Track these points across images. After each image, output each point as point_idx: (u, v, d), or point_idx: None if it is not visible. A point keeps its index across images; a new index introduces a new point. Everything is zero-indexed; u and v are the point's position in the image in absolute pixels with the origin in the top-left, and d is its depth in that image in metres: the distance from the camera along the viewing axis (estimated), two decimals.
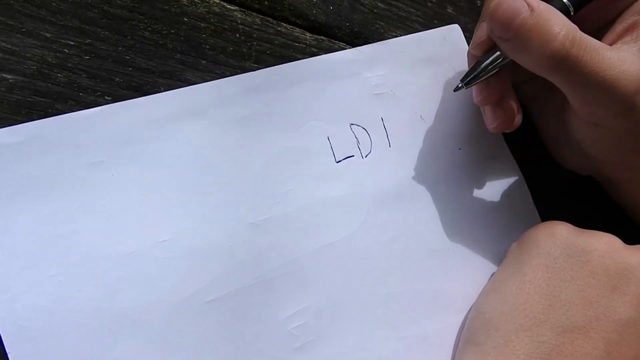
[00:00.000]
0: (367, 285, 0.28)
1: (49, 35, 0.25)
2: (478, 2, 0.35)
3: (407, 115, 0.31)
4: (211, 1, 0.28)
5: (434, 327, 0.28)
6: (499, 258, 0.31)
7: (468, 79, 0.28)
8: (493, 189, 0.32)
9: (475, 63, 0.28)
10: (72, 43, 0.25)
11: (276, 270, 0.26)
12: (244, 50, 0.28)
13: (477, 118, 0.32)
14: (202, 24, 0.28)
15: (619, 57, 0.26)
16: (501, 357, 0.24)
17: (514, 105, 0.29)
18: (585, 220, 0.35)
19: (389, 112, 0.31)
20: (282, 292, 0.26)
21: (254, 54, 0.29)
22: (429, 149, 0.31)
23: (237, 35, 0.28)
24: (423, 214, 0.30)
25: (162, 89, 0.26)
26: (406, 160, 0.30)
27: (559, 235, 0.27)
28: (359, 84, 0.30)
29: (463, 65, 0.33)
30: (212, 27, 0.28)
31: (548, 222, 0.29)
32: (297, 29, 0.30)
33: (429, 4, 0.34)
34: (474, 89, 0.30)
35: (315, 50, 0.30)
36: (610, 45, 0.27)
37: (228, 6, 0.28)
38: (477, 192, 0.32)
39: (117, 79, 0.26)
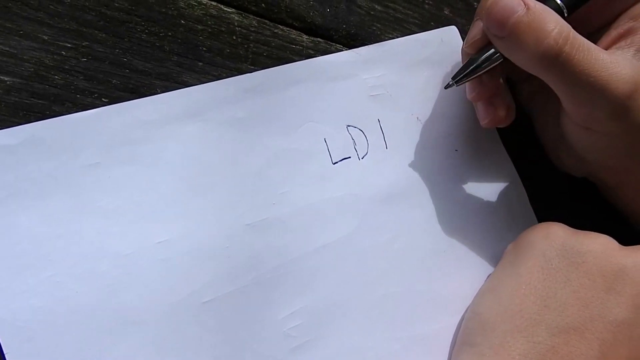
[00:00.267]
0: (364, 286, 0.28)
1: (46, 38, 0.25)
2: (475, 4, 0.35)
3: (403, 117, 0.31)
4: (208, 3, 0.28)
5: (431, 327, 0.28)
6: (495, 259, 0.31)
7: (459, 77, 0.28)
8: (490, 190, 0.32)
9: (467, 61, 0.28)
10: (69, 45, 0.25)
11: (273, 271, 0.26)
12: (241, 52, 0.29)
13: (473, 119, 0.32)
14: (199, 26, 0.28)
15: (612, 60, 0.26)
16: (497, 357, 0.24)
17: (506, 102, 0.30)
18: (581, 221, 0.35)
19: (386, 114, 0.31)
20: (279, 293, 0.26)
21: (250, 56, 0.29)
22: (425, 150, 0.31)
23: (234, 37, 0.29)
24: (420, 215, 0.30)
25: (159, 91, 0.26)
26: (403, 162, 0.30)
27: (555, 236, 0.27)
28: (356, 85, 0.30)
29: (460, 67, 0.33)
30: (209, 30, 0.28)
31: (544, 223, 0.29)
32: (294, 31, 0.30)
33: (426, 6, 0.34)
34: (467, 85, 0.30)
35: (312, 52, 0.30)
36: (605, 49, 0.27)
37: (225, 8, 0.29)
38: (473, 193, 0.32)
39: (114, 81, 0.26)
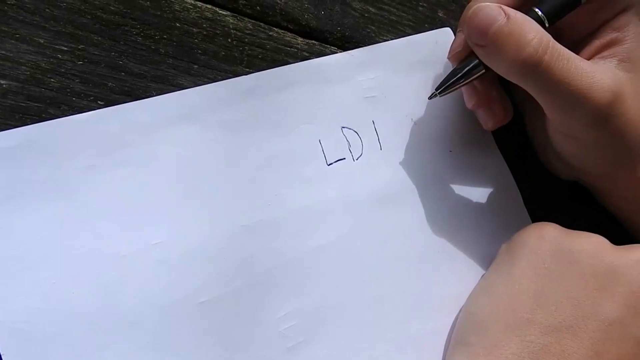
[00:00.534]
0: (358, 287, 0.28)
1: (42, 41, 0.25)
2: None
3: (398, 118, 0.31)
4: (203, 7, 0.28)
5: (425, 328, 0.29)
6: (489, 259, 0.31)
7: (442, 88, 0.29)
8: (484, 191, 0.32)
9: (450, 73, 0.29)
10: (65, 49, 0.25)
11: (268, 272, 0.27)
12: (236, 54, 0.29)
13: (467, 121, 0.33)
14: (194, 29, 0.28)
15: (592, 69, 0.26)
16: (490, 357, 0.25)
17: (503, 105, 0.30)
18: (575, 222, 0.35)
19: (380, 115, 0.31)
20: (274, 294, 0.27)
21: (245, 59, 0.29)
22: (420, 151, 0.31)
23: (229, 40, 0.29)
24: (414, 216, 0.30)
25: (154, 94, 0.27)
26: (397, 163, 0.31)
27: (548, 236, 0.28)
28: (351, 87, 0.31)
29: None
30: (204, 32, 0.28)
31: (537, 223, 0.29)
32: (289, 33, 0.30)
33: (420, 8, 0.34)
34: (465, 95, 0.31)
35: (307, 55, 0.30)
36: (587, 60, 0.28)
37: (220, 11, 0.29)
38: (468, 195, 0.32)
39: (110, 83, 0.26)
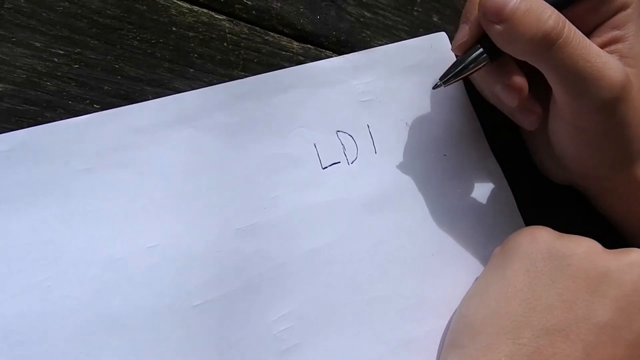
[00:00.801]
0: (352, 290, 0.28)
1: (39, 45, 0.25)
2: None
3: (393, 122, 0.32)
4: (199, 11, 0.29)
5: (419, 331, 0.29)
6: (483, 262, 0.31)
7: (447, 77, 0.29)
8: (478, 195, 0.33)
9: (454, 62, 0.29)
10: (61, 52, 0.26)
11: (262, 275, 0.27)
12: (232, 58, 0.29)
13: (462, 125, 0.33)
14: (190, 33, 0.28)
15: (604, 51, 0.26)
16: (483, 359, 0.25)
17: (535, 102, 0.31)
18: (568, 225, 0.36)
19: (375, 119, 0.31)
20: (268, 297, 0.27)
21: (241, 63, 0.29)
22: (414, 155, 0.32)
23: (225, 44, 0.29)
24: (408, 220, 0.30)
25: (150, 97, 0.27)
26: (392, 167, 0.31)
27: (541, 239, 0.28)
28: (346, 91, 0.31)
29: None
30: (200, 36, 0.28)
31: (530, 227, 0.29)
32: (285, 37, 0.30)
33: (415, 13, 0.34)
34: (504, 96, 0.30)
35: (302, 59, 0.30)
36: None
37: (216, 16, 0.29)
38: (462, 198, 0.32)
39: (106, 87, 0.26)
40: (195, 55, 0.28)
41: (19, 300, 0.23)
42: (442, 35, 0.34)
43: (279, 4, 0.30)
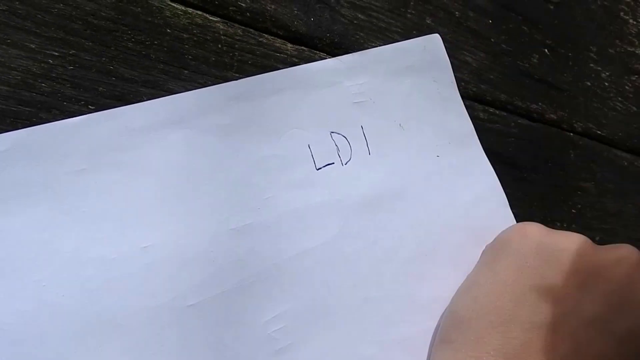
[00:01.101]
0: (345, 290, 0.28)
1: (33, 46, 0.25)
2: (456, 13, 0.36)
3: (386, 124, 0.32)
4: (193, 13, 0.29)
5: (412, 330, 0.29)
6: (475, 262, 0.31)
7: None
8: (470, 195, 0.33)
9: None
10: (56, 54, 0.26)
11: (256, 275, 0.27)
12: (226, 60, 0.29)
13: (454, 126, 0.33)
14: (184, 35, 0.28)
15: None
16: (472, 353, 0.25)
17: None
18: (559, 224, 0.36)
19: (369, 121, 0.31)
20: (262, 297, 0.27)
21: (235, 64, 0.29)
22: (407, 156, 0.32)
23: (219, 45, 0.29)
24: (401, 220, 0.31)
25: (145, 98, 0.27)
26: (385, 168, 0.31)
27: (531, 235, 0.28)
28: (339, 92, 0.31)
29: (443, 74, 0.34)
30: (195, 38, 0.29)
31: (520, 223, 0.30)
32: (279, 39, 0.31)
33: (408, 15, 0.34)
34: None
35: (296, 61, 0.31)
36: None
37: (210, 18, 0.29)
38: (454, 198, 0.32)
39: (101, 88, 0.26)
40: (190, 57, 0.28)
41: (14, 299, 0.23)
42: (436, 37, 0.34)
43: (273, 6, 0.31)
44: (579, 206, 0.37)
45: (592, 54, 0.41)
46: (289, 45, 0.31)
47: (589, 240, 0.28)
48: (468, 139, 0.33)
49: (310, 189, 0.29)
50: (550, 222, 0.36)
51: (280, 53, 0.30)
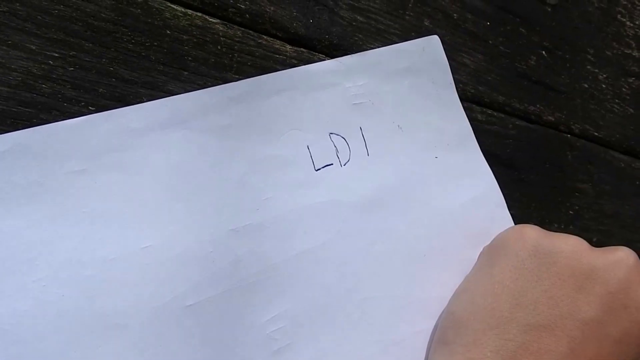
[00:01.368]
0: (344, 290, 0.28)
1: (34, 48, 0.25)
2: (454, 15, 0.36)
3: (385, 125, 0.32)
4: (193, 14, 0.29)
5: (410, 331, 0.29)
6: (473, 264, 0.31)
7: None
8: (468, 196, 0.33)
9: None
10: (56, 55, 0.26)
11: (255, 276, 0.27)
12: (226, 61, 0.29)
13: (453, 127, 0.33)
14: (184, 37, 0.28)
15: None
16: (469, 354, 0.25)
17: None
18: (556, 226, 0.36)
19: (368, 122, 0.31)
20: (261, 297, 0.27)
21: (235, 66, 0.29)
22: (406, 157, 0.32)
23: (219, 47, 0.29)
24: (400, 221, 0.31)
25: (144, 100, 0.27)
26: (384, 169, 0.31)
27: (528, 237, 0.28)
28: (338, 94, 0.31)
29: (442, 76, 0.34)
30: (194, 40, 0.29)
31: (518, 225, 0.30)
32: (278, 41, 0.31)
33: (407, 17, 0.35)
34: None
35: (295, 62, 0.31)
36: None
37: (210, 19, 0.29)
38: (452, 200, 0.32)
39: (101, 89, 0.26)
40: (189, 58, 0.28)
41: (14, 299, 0.23)
42: (435, 39, 0.34)
43: (272, 8, 0.31)
44: (576, 207, 0.38)
45: (589, 56, 0.41)
46: (288, 46, 0.31)
47: (586, 243, 0.28)
48: (466, 141, 0.34)
49: (309, 190, 0.29)
50: (548, 223, 0.36)
51: (279, 54, 0.31)
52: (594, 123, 0.40)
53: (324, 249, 0.29)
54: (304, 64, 0.31)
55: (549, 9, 0.40)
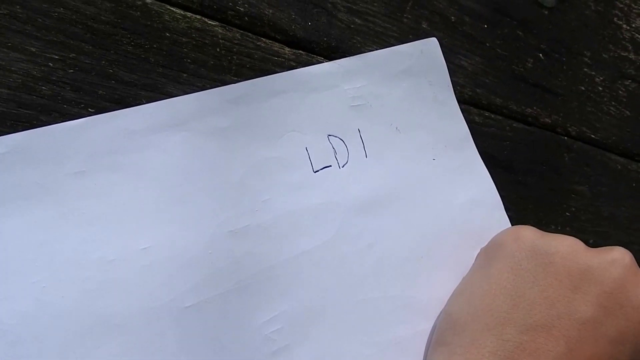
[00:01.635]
0: (342, 292, 0.29)
1: (34, 50, 0.26)
2: (452, 18, 0.36)
3: (383, 127, 0.32)
4: (192, 17, 0.29)
5: (408, 332, 0.29)
6: (471, 265, 0.31)
7: None
8: (466, 198, 0.33)
9: None
10: (56, 57, 0.26)
11: (254, 277, 0.27)
12: (225, 64, 0.29)
13: (450, 129, 0.34)
14: (183, 39, 0.29)
15: None
16: (467, 355, 0.25)
17: None
18: (553, 227, 0.36)
19: (366, 124, 0.32)
20: (260, 298, 0.27)
21: (234, 68, 0.30)
22: (404, 159, 0.32)
23: (218, 49, 0.29)
24: (398, 223, 0.31)
25: (144, 101, 0.27)
26: (382, 170, 0.31)
27: (524, 238, 0.28)
28: (337, 96, 0.31)
29: (439, 78, 0.34)
30: (194, 42, 0.29)
31: (514, 226, 0.30)
32: (276, 43, 0.31)
33: (405, 20, 0.35)
34: None
35: (294, 64, 0.31)
36: None
37: (209, 22, 0.29)
38: (450, 201, 0.33)
39: (101, 91, 0.27)
40: (189, 61, 0.29)
41: (14, 300, 0.23)
42: (433, 41, 0.34)
43: (271, 11, 0.31)
44: (573, 209, 0.38)
45: (586, 59, 0.41)
46: (287, 49, 0.31)
47: (582, 243, 0.28)
48: (464, 143, 0.34)
49: (308, 192, 0.29)
50: (545, 224, 0.37)
51: (278, 57, 0.31)
52: (590, 125, 0.41)
53: (322, 250, 0.29)
54: (303, 67, 0.31)
55: (546, 12, 0.40)
